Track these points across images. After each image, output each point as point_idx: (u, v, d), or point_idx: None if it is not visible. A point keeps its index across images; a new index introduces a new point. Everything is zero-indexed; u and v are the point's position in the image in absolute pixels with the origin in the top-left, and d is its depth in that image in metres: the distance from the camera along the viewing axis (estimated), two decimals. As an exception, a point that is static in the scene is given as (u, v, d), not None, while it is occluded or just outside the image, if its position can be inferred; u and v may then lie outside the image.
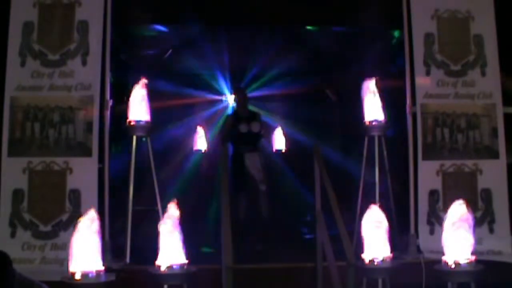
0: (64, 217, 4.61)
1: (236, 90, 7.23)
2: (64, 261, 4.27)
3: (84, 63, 4.79)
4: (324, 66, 8.60)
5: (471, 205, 3.53)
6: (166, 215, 3.41)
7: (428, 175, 5.00)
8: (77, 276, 3.13)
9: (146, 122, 4.76)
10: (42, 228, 4.60)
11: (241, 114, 6.55)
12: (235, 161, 6.25)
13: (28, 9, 4.81)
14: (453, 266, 3.34)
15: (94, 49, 4.79)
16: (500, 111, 5.10)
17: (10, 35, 4.79)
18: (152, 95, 4.86)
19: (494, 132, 5.07)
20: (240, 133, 6.36)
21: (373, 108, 4.82)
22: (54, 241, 4.57)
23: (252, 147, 6.42)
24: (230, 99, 9.17)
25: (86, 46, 4.80)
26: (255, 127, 6.39)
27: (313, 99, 9.08)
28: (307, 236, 6.62)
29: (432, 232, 4.88)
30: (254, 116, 6.54)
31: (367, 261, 3.45)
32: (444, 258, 3.41)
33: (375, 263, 3.43)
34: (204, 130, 8.18)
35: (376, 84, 4.84)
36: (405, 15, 5.08)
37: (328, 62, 8.37)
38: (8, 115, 4.71)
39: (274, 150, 7.75)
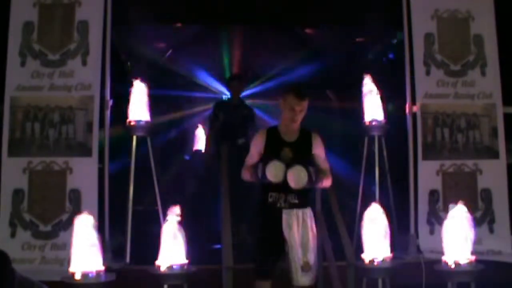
0: (64, 217, 4.61)
1: (233, 77, 6.54)
2: (64, 261, 4.30)
3: (84, 63, 4.78)
4: (324, 66, 8.60)
5: (471, 205, 3.53)
6: (166, 214, 3.41)
7: (428, 175, 4.99)
8: (77, 276, 3.13)
9: (146, 122, 4.76)
10: (42, 228, 4.60)
11: (233, 101, 6.11)
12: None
13: (28, 9, 4.81)
14: (453, 266, 3.35)
15: (94, 49, 4.79)
16: (500, 111, 5.10)
17: (10, 35, 4.79)
18: (152, 95, 4.85)
19: (494, 132, 5.07)
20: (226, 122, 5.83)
21: (373, 108, 4.83)
22: (54, 241, 4.57)
23: (236, 138, 5.74)
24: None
25: (86, 46, 4.80)
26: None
27: (313, 99, 9.07)
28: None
29: (432, 232, 4.88)
30: (244, 107, 6.00)
31: (367, 261, 3.45)
32: (444, 258, 3.41)
33: (375, 263, 3.43)
34: (204, 130, 8.18)
35: (376, 84, 4.84)
36: (405, 15, 5.07)
37: (328, 62, 8.38)
38: (8, 115, 4.71)
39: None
